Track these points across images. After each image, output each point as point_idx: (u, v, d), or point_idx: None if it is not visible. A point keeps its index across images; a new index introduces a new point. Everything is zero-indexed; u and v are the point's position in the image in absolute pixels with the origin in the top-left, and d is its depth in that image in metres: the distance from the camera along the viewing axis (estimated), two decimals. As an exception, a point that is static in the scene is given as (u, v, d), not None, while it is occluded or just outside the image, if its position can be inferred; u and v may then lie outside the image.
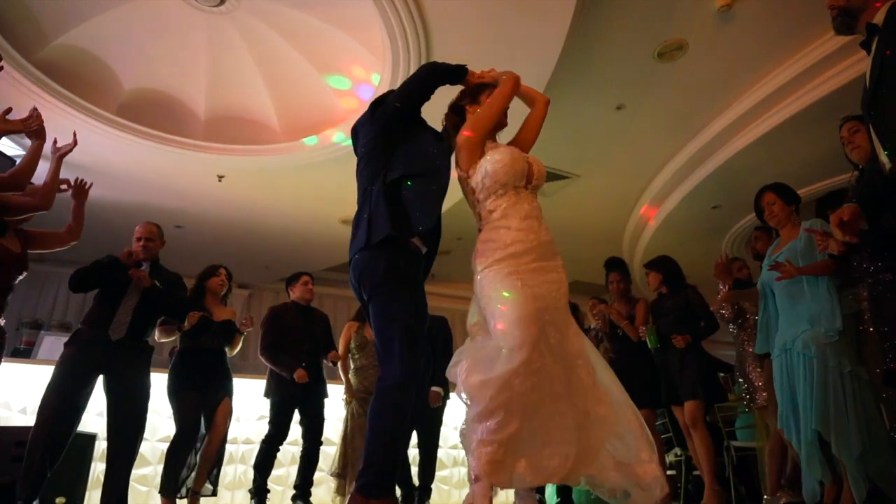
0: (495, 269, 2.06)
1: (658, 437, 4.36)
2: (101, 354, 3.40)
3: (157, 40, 5.17)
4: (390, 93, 2.49)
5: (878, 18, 1.95)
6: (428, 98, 2.42)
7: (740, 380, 4.02)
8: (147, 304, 3.61)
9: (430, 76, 2.42)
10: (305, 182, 6.52)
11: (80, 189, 3.45)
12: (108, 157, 5.99)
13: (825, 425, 2.71)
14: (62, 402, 3.24)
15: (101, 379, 3.46)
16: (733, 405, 5.02)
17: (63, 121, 5.17)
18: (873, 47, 1.99)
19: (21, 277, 3.10)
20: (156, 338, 4.12)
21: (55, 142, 3.24)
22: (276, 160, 6.12)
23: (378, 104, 2.44)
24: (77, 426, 3.33)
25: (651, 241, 7.69)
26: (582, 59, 4.80)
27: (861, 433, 2.66)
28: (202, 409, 4.00)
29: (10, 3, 4.55)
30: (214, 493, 4.15)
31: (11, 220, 3.08)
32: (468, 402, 1.86)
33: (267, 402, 4.50)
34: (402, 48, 4.54)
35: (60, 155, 3.22)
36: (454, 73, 2.47)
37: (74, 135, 3.29)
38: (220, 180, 6.45)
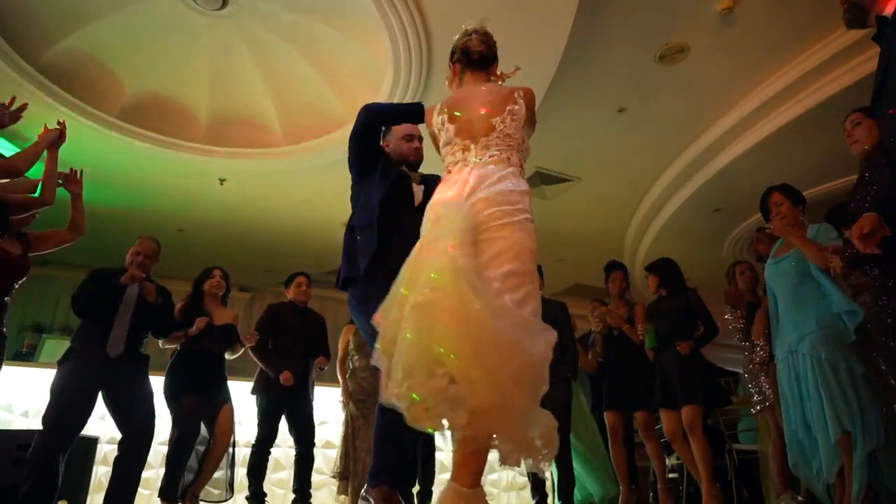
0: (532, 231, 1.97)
1: (657, 439, 4.34)
2: (100, 371, 3.40)
3: (159, 44, 5.18)
4: None
5: (889, 10, 1.95)
6: (374, 142, 2.67)
7: (751, 384, 3.99)
8: (141, 318, 3.63)
9: (370, 122, 2.60)
10: (307, 185, 6.53)
11: (73, 179, 3.39)
12: (109, 161, 6.00)
13: (853, 424, 2.68)
14: (60, 425, 3.23)
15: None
16: (735, 408, 5.02)
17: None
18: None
19: (21, 281, 3.09)
20: (160, 344, 4.13)
21: (45, 128, 3.19)
22: (277, 163, 6.14)
23: None
24: (75, 438, 3.33)
25: (652, 244, 7.68)
26: (583, 63, 4.80)
27: (879, 431, 2.64)
28: (202, 414, 4.00)
29: (12, 6, 4.56)
30: (229, 498, 4.16)
31: (16, 220, 3.07)
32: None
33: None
34: (404, 52, 4.55)
35: (54, 147, 3.17)
36: (404, 116, 2.61)
37: (63, 124, 3.24)
38: (221, 184, 6.47)
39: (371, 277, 2.40)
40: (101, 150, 5.77)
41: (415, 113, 2.52)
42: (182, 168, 6.17)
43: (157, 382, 4.72)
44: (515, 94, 2.12)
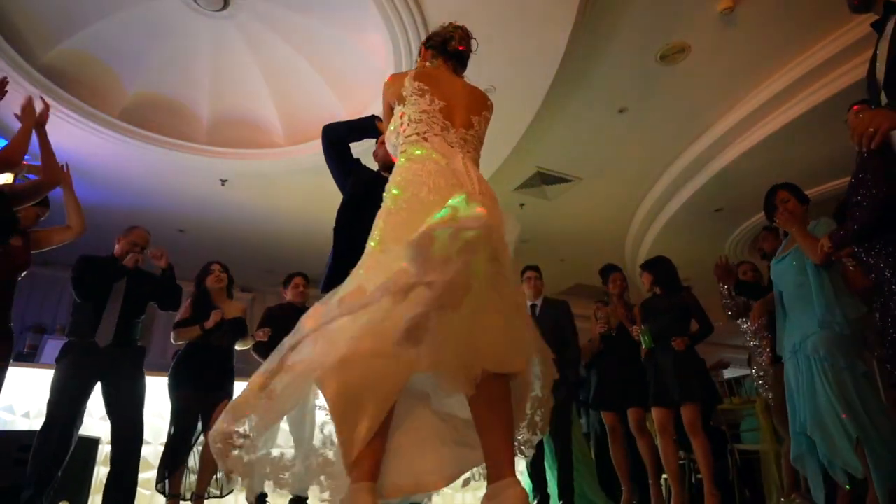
0: None
1: (650, 436, 4.32)
2: (95, 363, 3.42)
3: (160, 45, 5.19)
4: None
5: None
6: (342, 158, 2.72)
7: (755, 371, 3.99)
8: (131, 306, 3.64)
9: (326, 143, 2.69)
10: (308, 185, 6.53)
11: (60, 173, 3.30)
12: (111, 161, 6.01)
13: (863, 431, 2.63)
14: (65, 417, 3.25)
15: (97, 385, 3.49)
16: (737, 408, 5.01)
17: (67, 125, 5.19)
18: (890, 27, 1.96)
19: (22, 275, 3.09)
20: (172, 340, 4.15)
21: (23, 105, 3.02)
22: (278, 164, 6.14)
23: None
24: (77, 433, 3.35)
25: (654, 244, 7.68)
26: (584, 63, 4.80)
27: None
28: (200, 408, 4.00)
29: (14, 8, 4.57)
30: (221, 496, 4.15)
31: (24, 217, 3.06)
32: None
33: None
34: (405, 52, 4.55)
35: (39, 124, 3.03)
36: (358, 133, 2.67)
37: (42, 99, 3.13)
38: (223, 184, 6.47)
39: (332, 283, 2.38)
40: (102, 150, 5.78)
41: (368, 127, 2.62)
42: (183, 169, 6.17)
43: (158, 382, 4.71)
44: (488, 102, 2.11)
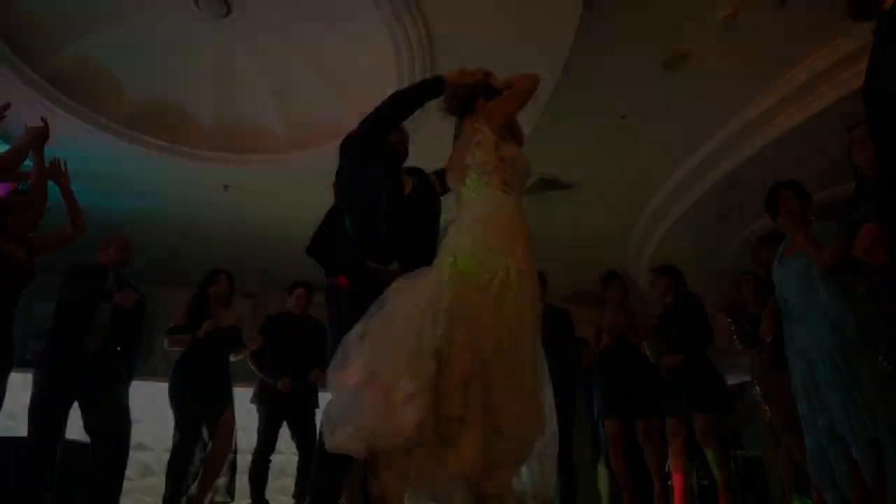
0: None
1: (658, 448, 4.29)
2: (76, 377, 3.37)
3: (163, 51, 5.20)
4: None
5: (887, 5, 1.94)
6: (393, 128, 2.56)
7: (756, 388, 3.97)
8: (119, 318, 3.58)
9: (394, 108, 2.52)
10: (310, 191, 6.52)
11: (58, 171, 3.28)
12: (113, 167, 6.02)
13: (882, 432, 2.55)
14: (48, 428, 3.24)
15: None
16: (740, 414, 4.99)
17: (70, 131, 5.20)
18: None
19: (28, 286, 3.08)
20: (165, 345, 4.14)
21: (24, 126, 3.03)
22: (281, 170, 6.15)
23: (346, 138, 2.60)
24: (62, 442, 3.32)
25: (656, 250, 7.66)
26: (587, 69, 4.80)
27: None
28: (204, 418, 3.99)
29: (17, 14, 4.59)
30: (229, 502, 4.15)
31: (19, 225, 3.06)
32: None
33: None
34: (408, 60, 4.56)
35: (40, 144, 2.98)
36: (427, 90, 2.50)
37: (44, 119, 3.07)
38: (225, 190, 6.48)
39: (371, 270, 2.35)
40: (104, 156, 5.79)
41: (436, 88, 2.45)
42: (186, 175, 6.18)
43: (155, 388, 4.69)
44: (476, 125, 2.27)
